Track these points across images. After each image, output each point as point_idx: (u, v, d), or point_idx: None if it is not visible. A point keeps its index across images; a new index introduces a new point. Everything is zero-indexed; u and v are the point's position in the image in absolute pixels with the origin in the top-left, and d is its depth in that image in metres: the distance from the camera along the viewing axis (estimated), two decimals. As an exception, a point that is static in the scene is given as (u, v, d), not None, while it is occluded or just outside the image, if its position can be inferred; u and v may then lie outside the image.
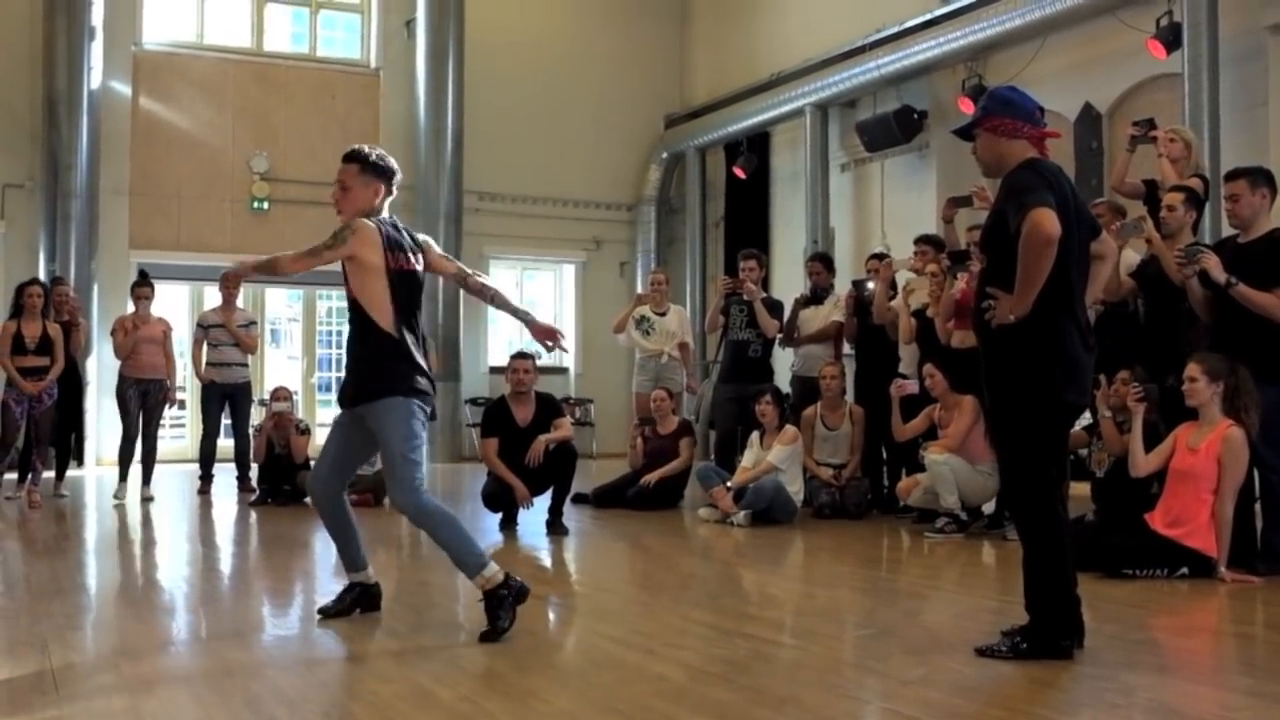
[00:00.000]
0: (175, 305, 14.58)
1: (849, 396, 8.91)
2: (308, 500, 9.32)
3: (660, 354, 9.83)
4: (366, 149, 4.82)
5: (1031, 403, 4.06)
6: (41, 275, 11.77)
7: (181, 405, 14.59)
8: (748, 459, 8.58)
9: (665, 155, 16.79)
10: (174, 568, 6.74)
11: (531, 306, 16.75)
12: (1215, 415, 5.75)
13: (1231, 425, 5.68)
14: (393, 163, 4.87)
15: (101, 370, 12.41)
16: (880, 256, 9.26)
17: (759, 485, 8.10)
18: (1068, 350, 4.06)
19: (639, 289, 15.32)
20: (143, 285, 10.05)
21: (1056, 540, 4.07)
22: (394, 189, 4.88)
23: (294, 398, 10.35)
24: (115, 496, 9.49)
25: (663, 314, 9.98)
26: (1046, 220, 3.88)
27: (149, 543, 7.85)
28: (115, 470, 9.90)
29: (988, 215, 4.37)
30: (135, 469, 9.81)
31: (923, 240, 8.69)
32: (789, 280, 13.63)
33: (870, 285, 9.35)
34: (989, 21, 11.46)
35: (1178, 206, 6.37)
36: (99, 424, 12.86)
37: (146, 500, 9.55)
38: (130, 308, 10.19)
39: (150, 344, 9.82)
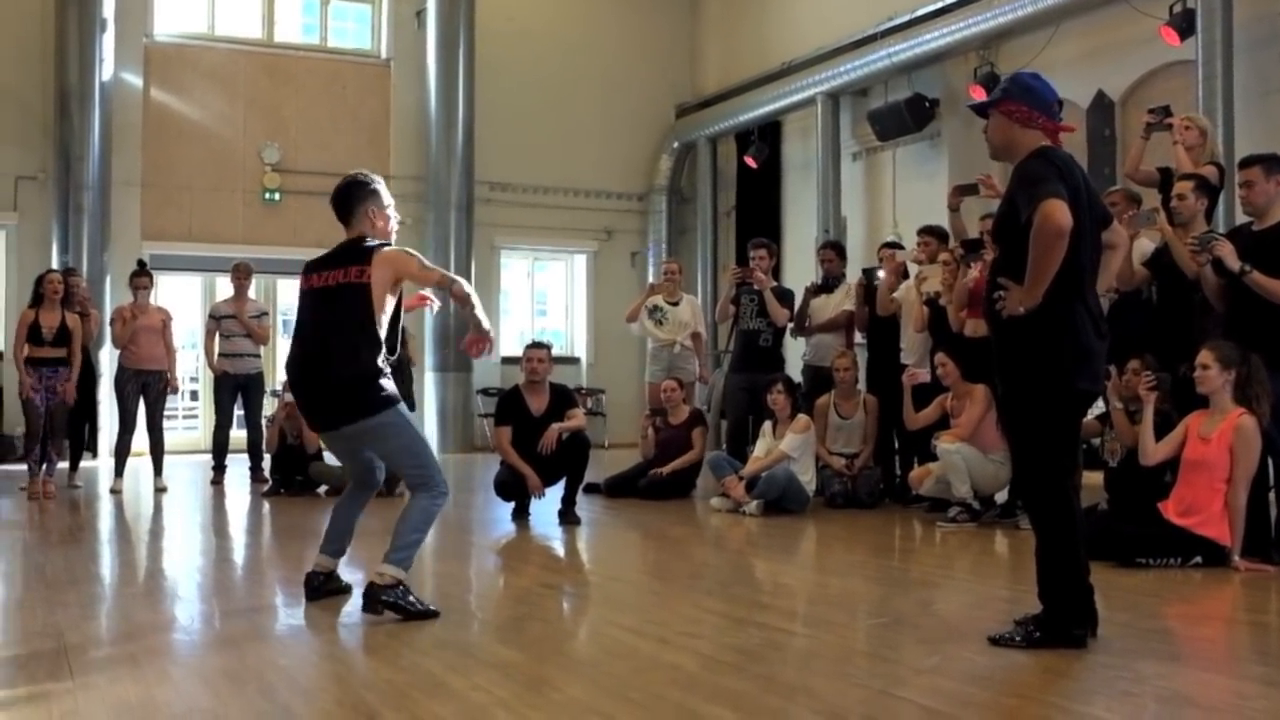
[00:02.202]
0: (187, 296, 14.65)
1: (860, 386, 8.90)
2: (320, 490, 9.42)
3: (673, 344, 9.83)
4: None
5: (1045, 391, 4.05)
6: (54, 267, 11.78)
7: (194, 396, 14.69)
8: (760, 448, 8.57)
9: (676, 145, 16.77)
10: (188, 558, 6.76)
11: (542, 298, 16.99)
12: (1227, 403, 5.73)
13: (1243, 414, 5.66)
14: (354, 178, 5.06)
15: (113, 362, 12.43)
16: (892, 245, 9.23)
17: (771, 474, 8.10)
18: (1081, 338, 4.04)
19: (650, 279, 15.33)
20: (140, 275, 10.07)
21: (1069, 529, 4.06)
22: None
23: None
24: (112, 490, 9.52)
25: (675, 303, 9.97)
26: (1058, 212, 3.86)
27: (162, 533, 7.87)
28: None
29: (999, 204, 4.35)
30: (133, 461, 9.83)
31: (926, 231, 8.70)
32: (801, 270, 13.59)
33: (881, 274, 9.33)
34: (1001, 9, 11.41)
35: (1188, 195, 6.34)
36: (112, 415, 12.89)
37: (160, 491, 9.58)
38: (130, 298, 10.17)
39: (149, 333, 9.80)
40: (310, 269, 4.94)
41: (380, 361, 4.73)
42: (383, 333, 4.74)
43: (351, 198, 4.94)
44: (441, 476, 4.84)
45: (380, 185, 5.02)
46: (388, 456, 4.94)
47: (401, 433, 4.81)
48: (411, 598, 4.67)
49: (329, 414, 4.81)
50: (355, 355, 4.68)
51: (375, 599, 4.60)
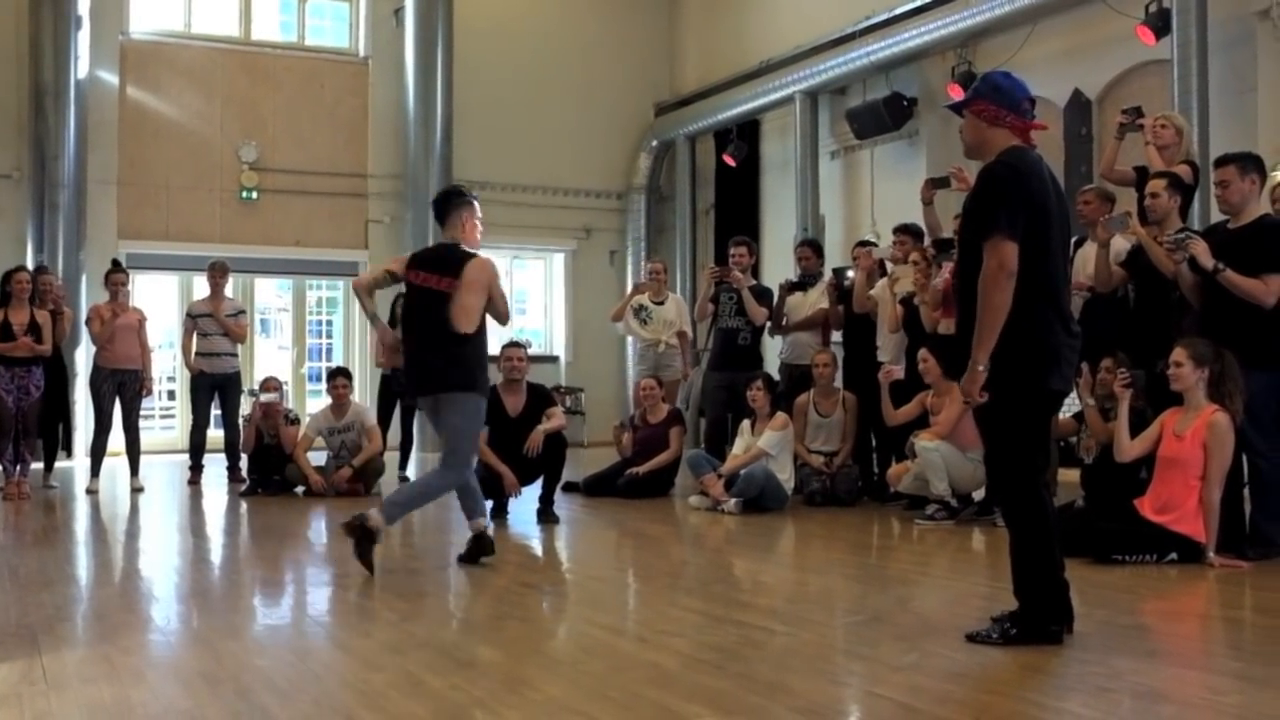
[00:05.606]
0: (164, 295, 14.54)
1: (838, 384, 8.92)
2: (297, 490, 9.39)
3: (658, 343, 9.82)
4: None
5: (1016, 392, 4.06)
6: (28, 265, 11.68)
7: (171, 395, 14.60)
8: (739, 446, 8.58)
9: (655, 143, 16.75)
10: (164, 558, 6.73)
11: (522, 297, 16.98)
12: (1200, 401, 5.77)
13: (1216, 411, 5.70)
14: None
15: (88, 361, 12.35)
16: (866, 244, 9.25)
17: (750, 473, 8.10)
18: (1050, 340, 4.06)
19: (629, 277, 15.32)
20: (117, 273, 9.99)
21: (1042, 526, 4.08)
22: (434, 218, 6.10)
23: (283, 388, 10.31)
24: (88, 490, 9.46)
25: (661, 303, 9.97)
26: (1009, 257, 3.94)
27: (138, 533, 7.83)
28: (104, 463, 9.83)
29: (964, 202, 4.39)
30: (109, 461, 9.77)
31: (902, 230, 8.73)
32: (779, 268, 13.59)
33: (850, 274, 9.35)
34: (979, 8, 11.43)
35: (1161, 193, 6.38)
36: (87, 415, 12.81)
37: (136, 491, 9.52)
38: (106, 297, 10.08)
39: (126, 333, 9.73)
40: (412, 264, 5.90)
41: (463, 347, 5.68)
42: (473, 326, 5.71)
43: (448, 205, 5.91)
44: (467, 465, 5.91)
45: (475, 198, 5.99)
46: (441, 425, 5.87)
47: (464, 414, 5.78)
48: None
49: (422, 383, 5.84)
50: (442, 343, 5.71)
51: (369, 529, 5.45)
